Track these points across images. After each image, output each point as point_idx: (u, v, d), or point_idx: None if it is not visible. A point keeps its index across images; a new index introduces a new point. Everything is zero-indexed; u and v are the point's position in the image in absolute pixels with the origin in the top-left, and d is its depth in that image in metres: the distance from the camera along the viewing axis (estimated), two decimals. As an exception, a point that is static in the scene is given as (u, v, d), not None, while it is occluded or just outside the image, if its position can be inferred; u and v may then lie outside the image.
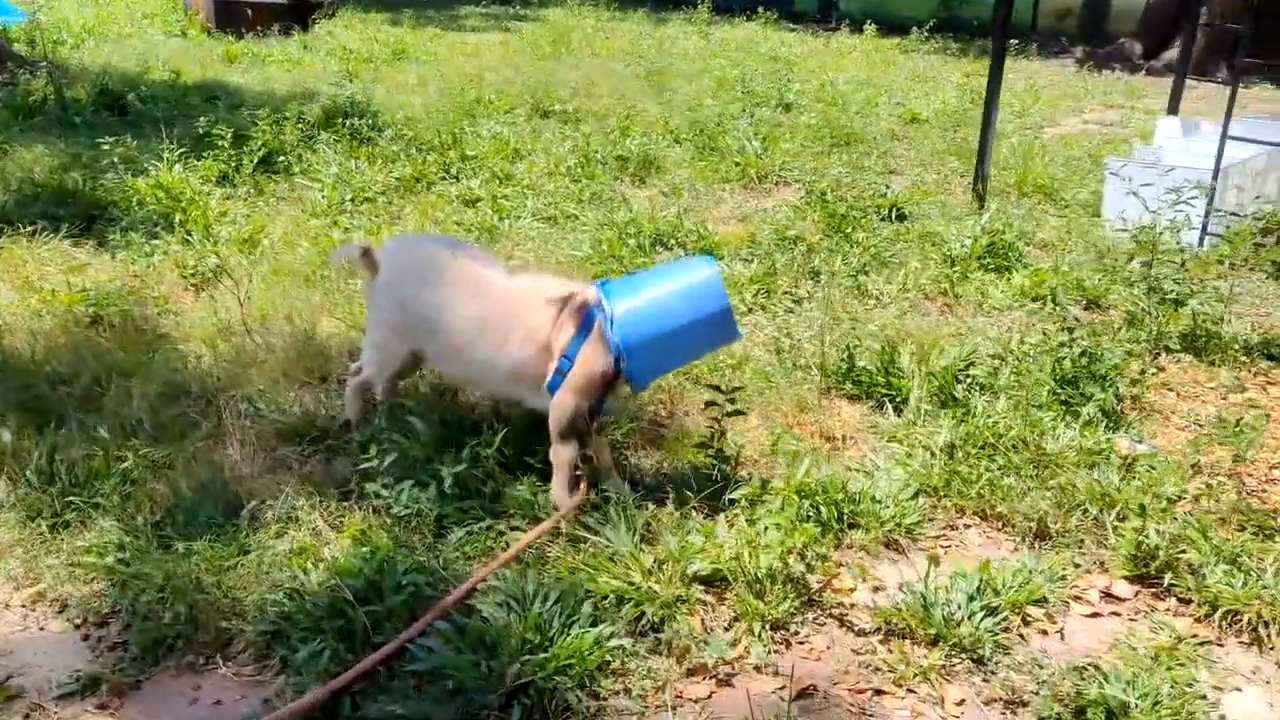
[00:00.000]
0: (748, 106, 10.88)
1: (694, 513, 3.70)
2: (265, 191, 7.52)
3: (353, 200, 7.22)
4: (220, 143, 7.51)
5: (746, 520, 3.60)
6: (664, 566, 3.39)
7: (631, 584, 3.30)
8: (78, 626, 3.26)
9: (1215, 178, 6.81)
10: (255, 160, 7.67)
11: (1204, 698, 2.91)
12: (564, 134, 9.54)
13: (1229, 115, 6.89)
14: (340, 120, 8.70)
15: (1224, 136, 6.84)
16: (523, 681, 2.90)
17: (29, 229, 6.29)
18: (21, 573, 3.41)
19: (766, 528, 3.46)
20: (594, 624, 3.10)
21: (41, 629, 3.26)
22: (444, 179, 8.09)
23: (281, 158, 7.94)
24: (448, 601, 3.17)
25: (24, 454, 3.84)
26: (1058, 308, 5.83)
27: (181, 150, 7.47)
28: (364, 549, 3.37)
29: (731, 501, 3.68)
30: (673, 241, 6.76)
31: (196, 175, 7.30)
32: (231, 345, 4.97)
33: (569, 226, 7.14)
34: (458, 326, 3.82)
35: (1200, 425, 4.57)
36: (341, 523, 3.63)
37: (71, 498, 3.63)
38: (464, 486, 3.69)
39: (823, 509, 3.70)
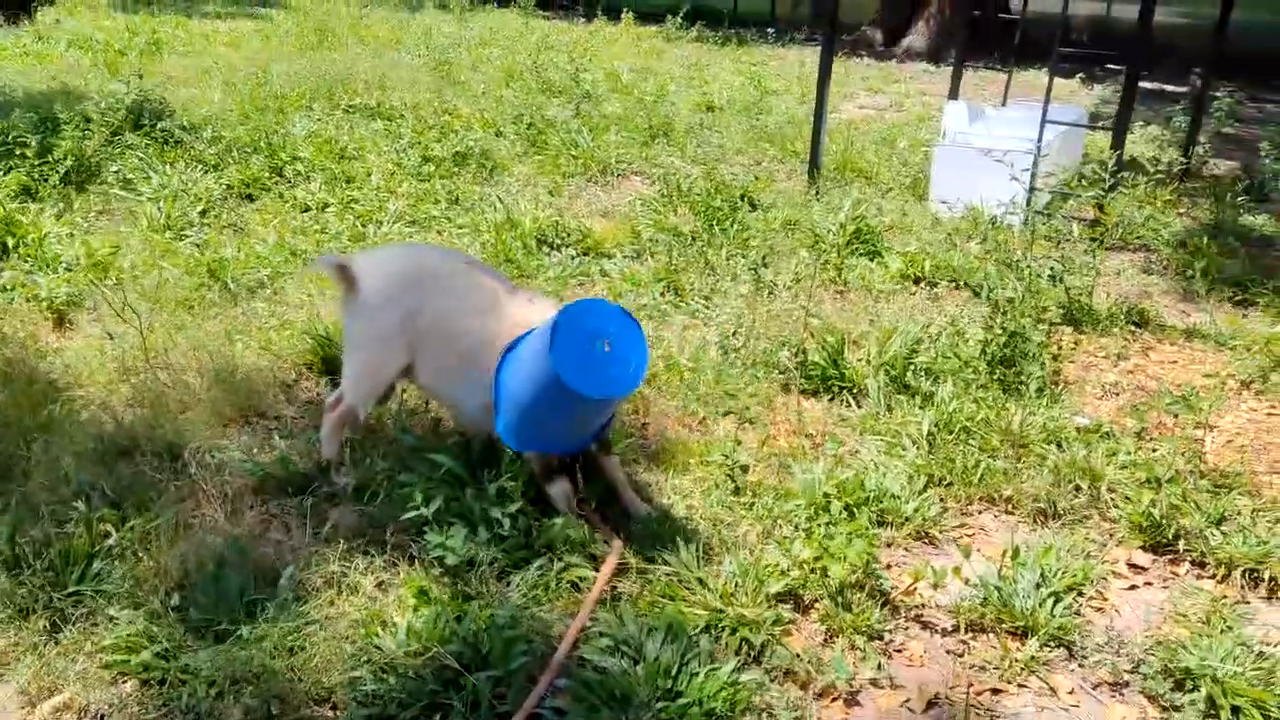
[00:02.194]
0: (551, 98, 10.77)
1: (741, 528, 3.66)
2: (78, 207, 6.66)
3: (201, 212, 6.52)
4: (22, 152, 6.56)
5: (803, 531, 3.60)
6: (740, 588, 3.34)
7: (718, 610, 3.23)
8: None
9: (1035, 157, 7.44)
10: (62, 171, 6.77)
11: (1261, 654, 3.21)
12: (386, 130, 9.05)
13: (1048, 97, 7.54)
14: (147, 123, 7.82)
15: (1044, 118, 7.48)
16: (666, 730, 2.78)
17: None
18: (33, 683, 2.88)
19: (833, 537, 3.48)
20: (711, 659, 3.02)
21: None
22: (278, 183, 7.48)
23: (85, 168, 7.05)
24: (559, 656, 2.99)
25: (-24, 544, 3.24)
26: (935, 289, 6.20)
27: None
28: (436, 608, 3.10)
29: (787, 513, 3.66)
30: (557, 241, 6.61)
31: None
32: (136, 387, 4.40)
33: (438, 230, 6.81)
34: (456, 344, 3.60)
35: (1116, 394, 5.01)
36: (390, 580, 3.31)
37: (76, 588, 3.10)
38: (494, 524, 3.47)
39: (855, 511, 3.77)
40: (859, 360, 5.02)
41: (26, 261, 5.54)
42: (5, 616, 3.07)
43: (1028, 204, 7.48)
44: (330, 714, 2.87)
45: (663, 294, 5.90)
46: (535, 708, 2.83)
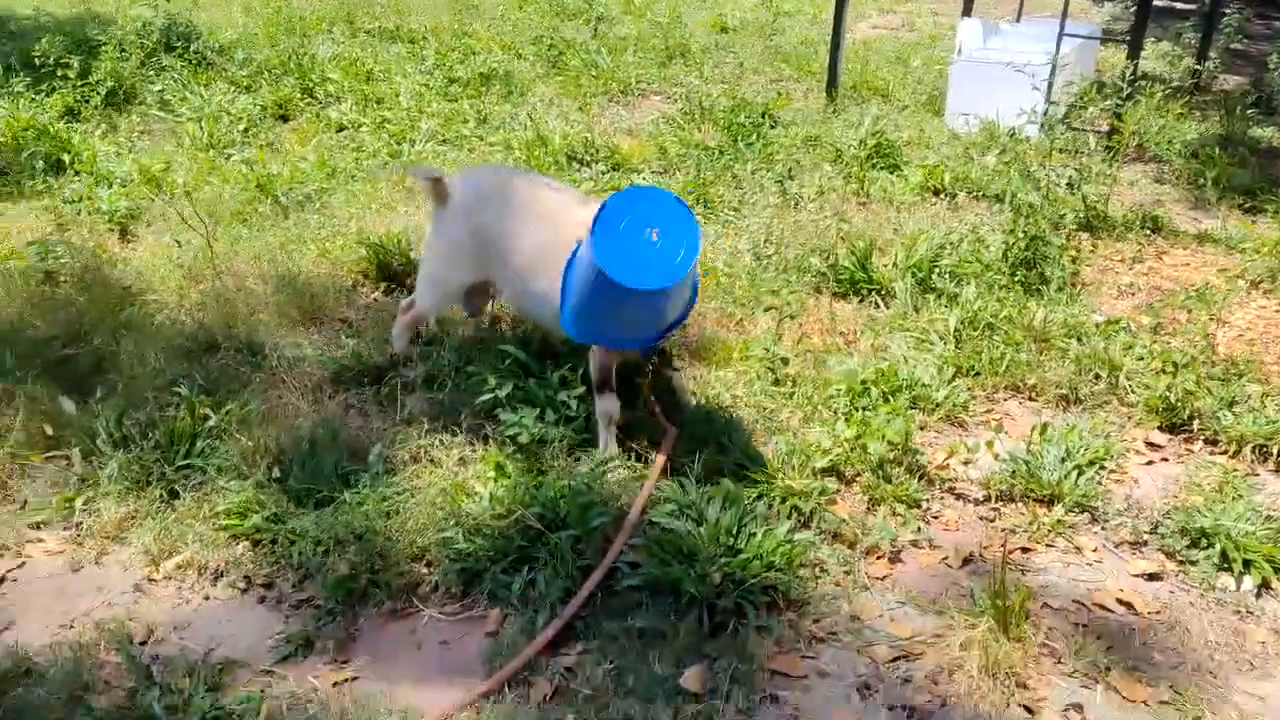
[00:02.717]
0: (565, 20, 10.84)
1: (783, 414, 3.94)
2: (122, 127, 6.85)
3: (244, 131, 6.71)
4: (64, 74, 6.73)
5: (843, 414, 3.88)
6: (787, 464, 3.62)
7: (768, 483, 3.51)
8: (244, 591, 3.12)
9: (1052, 71, 7.59)
10: (103, 93, 6.93)
11: (1269, 518, 3.50)
12: (409, 53, 9.17)
13: (1065, 12, 7.66)
14: (179, 45, 7.95)
15: (1061, 30, 7.61)
16: (729, 580, 3.07)
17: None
18: (155, 544, 3.18)
19: (872, 418, 3.76)
20: (767, 522, 3.31)
21: (206, 599, 3.10)
22: (310, 103, 7.64)
23: (124, 90, 7.22)
24: (633, 517, 3.27)
25: (90, 424, 3.53)
26: (955, 200, 6.41)
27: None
28: (514, 479, 3.39)
29: (829, 398, 3.94)
30: (586, 157, 6.79)
31: (45, 112, 6.53)
32: (205, 292, 4.65)
33: (469, 148, 7.00)
34: (523, 254, 3.79)
35: (1131, 294, 5.26)
36: (468, 456, 3.59)
37: (185, 462, 3.39)
38: (561, 406, 3.73)
39: (890, 397, 4.04)
40: (885, 265, 5.25)
41: (81, 178, 5.74)
42: (124, 488, 3.36)
43: (1045, 115, 7.66)
44: (426, 570, 3.18)
45: (693, 206, 6.10)
46: (614, 561, 3.12)
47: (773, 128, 7.78)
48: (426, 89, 8.07)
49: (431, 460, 3.53)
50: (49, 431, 3.59)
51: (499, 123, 7.46)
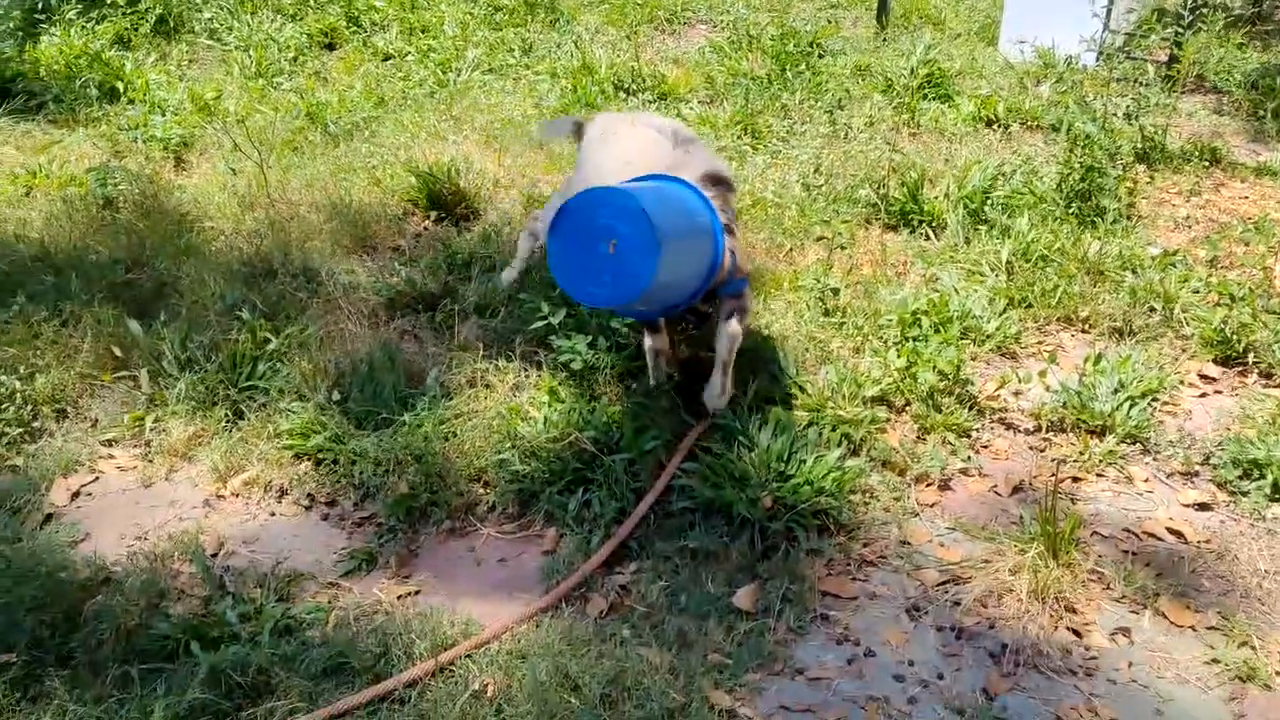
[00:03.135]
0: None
1: (833, 344, 3.96)
2: (169, 55, 6.88)
3: (292, 59, 6.73)
4: (113, 2, 6.76)
5: (894, 344, 3.89)
6: (838, 392, 3.64)
7: (818, 411, 3.54)
8: (308, 508, 3.22)
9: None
10: (152, 21, 6.96)
11: (1322, 447, 3.49)
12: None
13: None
14: (226, -29, 7.94)
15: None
16: (781, 504, 3.12)
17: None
18: (222, 462, 3.28)
19: (923, 348, 3.77)
20: (817, 449, 3.35)
21: (272, 515, 3.20)
22: (356, 32, 7.62)
23: (172, 18, 7.24)
24: (688, 442, 3.32)
25: (155, 346, 3.62)
26: (1008, 131, 6.31)
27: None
28: (568, 403, 3.45)
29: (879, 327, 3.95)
30: (633, 86, 6.74)
31: (97, 39, 6.58)
32: (259, 219, 4.71)
33: (515, 76, 6.97)
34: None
35: (1188, 226, 5.18)
36: (522, 382, 3.65)
37: (249, 384, 3.48)
38: (611, 334, 3.77)
39: (942, 327, 4.04)
40: (937, 196, 5.20)
41: (135, 105, 5.80)
42: (191, 407, 3.46)
43: (1103, 43, 7.48)
44: (483, 490, 3.26)
45: (740, 136, 6.07)
46: (668, 483, 3.18)
47: (821, 57, 7.65)
48: (471, 17, 8.01)
49: (487, 385, 3.59)
50: (117, 353, 3.69)
51: (544, 51, 7.41)
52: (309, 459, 3.32)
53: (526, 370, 3.73)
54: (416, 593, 2.94)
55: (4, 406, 3.44)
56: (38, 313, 3.83)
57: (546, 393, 3.53)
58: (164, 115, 5.73)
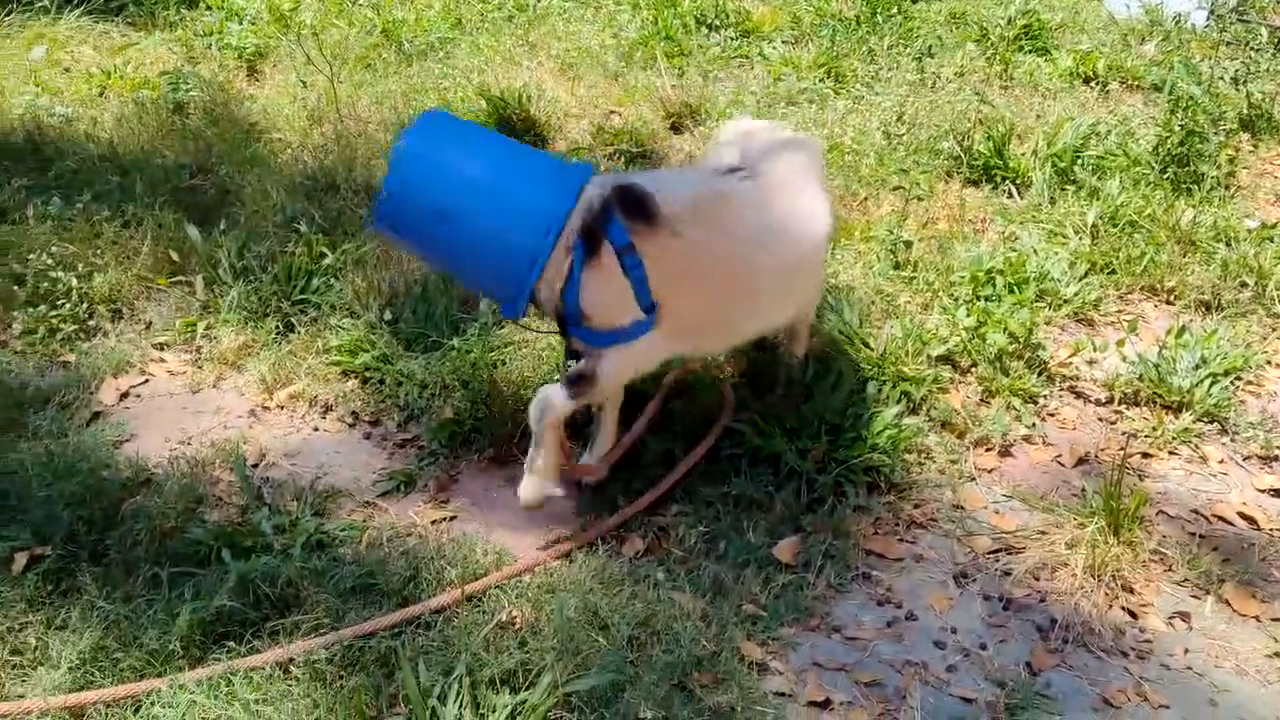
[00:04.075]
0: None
1: (901, 298, 3.81)
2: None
3: (371, -24, 6.63)
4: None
5: (965, 302, 3.72)
6: (901, 349, 3.50)
7: (879, 366, 3.41)
8: (351, 425, 3.19)
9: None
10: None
11: None
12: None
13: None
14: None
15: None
16: (831, 458, 3.01)
17: (27, 5, 5.59)
18: (270, 374, 3.26)
19: (995, 308, 3.61)
20: (875, 404, 3.22)
21: (315, 430, 3.18)
22: (438, -47, 7.49)
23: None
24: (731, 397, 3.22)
25: (213, 253, 3.61)
26: (1106, 89, 6.00)
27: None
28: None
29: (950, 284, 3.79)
30: (716, 22, 6.54)
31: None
32: (327, 134, 4.66)
33: (597, 5, 6.80)
34: None
35: (1291, 200, 4.89)
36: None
37: (301, 297, 3.46)
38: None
39: (1016, 288, 3.86)
40: (1023, 153, 4.97)
41: (212, 12, 5.78)
42: (244, 317, 3.45)
43: (1215, 3, 7.08)
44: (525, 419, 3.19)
45: (822, 79, 5.85)
46: (720, 434, 3.08)
47: (914, 1, 7.37)
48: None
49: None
50: (174, 257, 3.69)
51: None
52: (356, 377, 3.29)
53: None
54: (452, 518, 2.90)
55: (61, 303, 3.45)
56: (101, 212, 3.83)
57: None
58: (240, 24, 5.70)
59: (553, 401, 2.72)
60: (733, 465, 3.04)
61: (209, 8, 5.84)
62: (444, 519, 2.90)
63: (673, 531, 2.86)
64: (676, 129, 5.26)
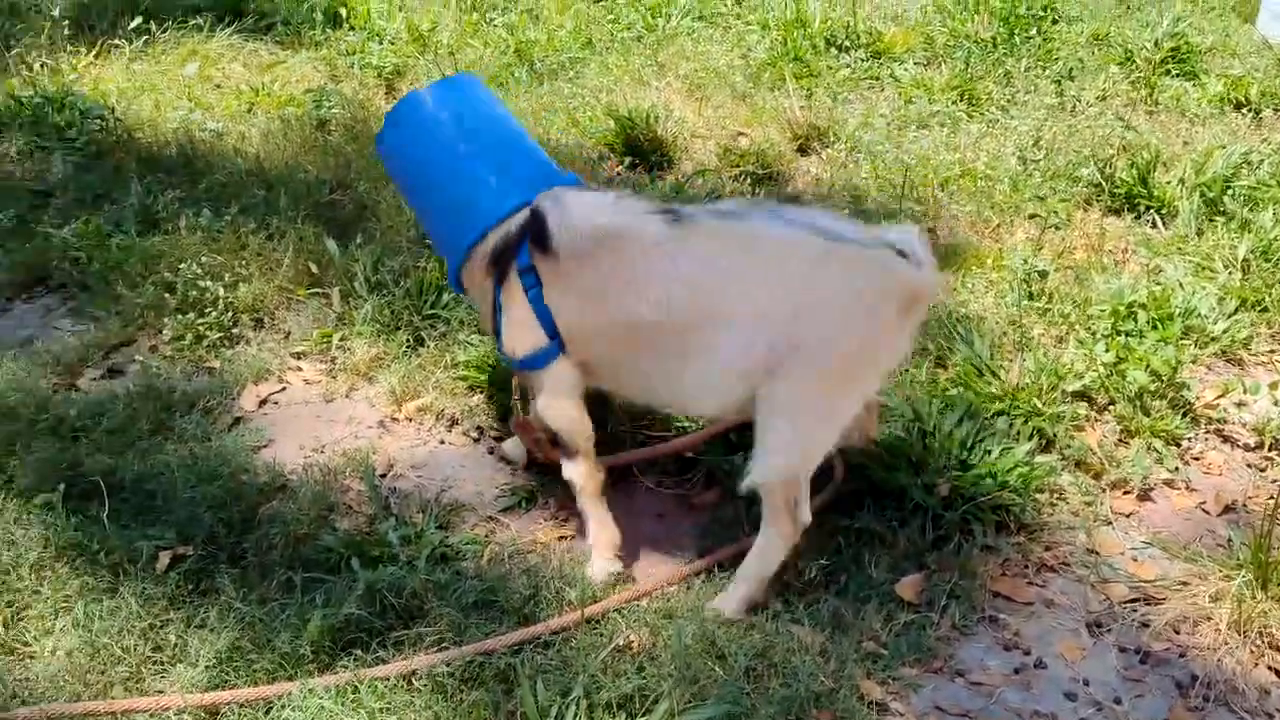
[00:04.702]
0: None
1: (1035, 330, 3.69)
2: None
3: (506, -5, 6.79)
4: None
5: (1104, 337, 3.59)
6: (1035, 383, 3.38)
7: (1011, 400, 3.30)
8: (476, 440, 3.25)
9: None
10: (379, -50, 7.15)
11: None
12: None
13: None
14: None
15: None
16: (958, 494, 2.93)
17: (182, 23, 5.88)
18: (399, 386, 3.34)
19: (1137, 345, 3.46)
20: (1005, 440, 3.12)
21: (441, 442, 3.24)
22: (571, -29, 7.61)
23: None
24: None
25: (349, 266, 3.73)
26: (1259, 116, 5.73)
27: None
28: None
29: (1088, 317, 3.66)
30: (846, 43, 6.47)
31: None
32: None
33: (725, 25, 6.81)
34: None
35: None
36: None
37: (432, 312, 3.55)
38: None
39: (1160, 324, 3.69)
40: (1169, 181, 4.78)
41: (355, 32, 5.99)
42: (376, 329, 3.54)
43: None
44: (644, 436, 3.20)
45: (955, 101, 5.73)
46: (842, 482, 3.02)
47: (1055, 22, 7.15)
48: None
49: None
50: (313, 270, 3.82)
51: (757, 1, 7.21)
52: (481, 392, 3.34)
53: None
54: (572, 537, 2.92)
55: (208, 311, 3.61)
56: (247, 224, 4.00)
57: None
58: (381, 43, 5.89)
59: (570, 477, 2.77)
60: (855, 498, 2.98)
61: (352, 28, 6.05)
62: (564, 537, 2.92)
63: (792, 563, 2.82)
64: (804, 151, 5.22)
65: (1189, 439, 3.29)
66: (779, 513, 2.57)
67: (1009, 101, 5.74)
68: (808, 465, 2.58)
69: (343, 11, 6.13)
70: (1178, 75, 6.22)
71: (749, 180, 4.88)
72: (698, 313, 2.50)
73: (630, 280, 2.54)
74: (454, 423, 3.29)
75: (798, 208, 2.80)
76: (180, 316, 3.58)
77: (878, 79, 6.12)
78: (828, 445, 2.59)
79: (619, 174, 4.95)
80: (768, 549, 2.62)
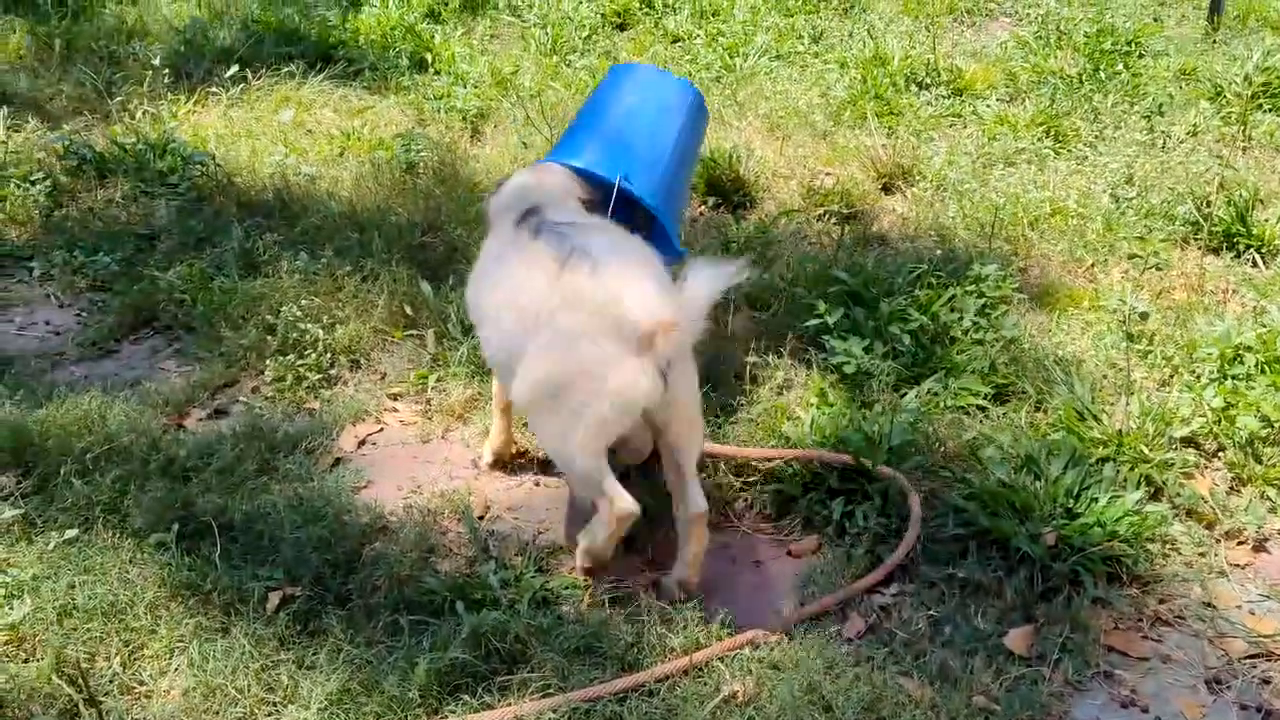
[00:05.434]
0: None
1: (1136, 373, 3.61)
2: (474, 30, 7.20)
3: (585, 38, 6.89)
4: (431, -24, 7.15)
5: (1211, 380, 3.49)
6: (1141, 429, 3.30)
7: (1117, 446, 3.22)
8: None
9: None
10: (461, -4, 7.32)
11: None
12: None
13: None
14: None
15: None
16: (1066, 544, 2.85)
17: (275, 70, 6.05)
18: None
19: (1247, 389, 3.37)
20: (1110, 487, 3.04)
21: (537, 484, 3.28)
22: (648, 13, 7.70)
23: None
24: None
25: (443, 308, 3.80)
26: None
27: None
28: (838, 407, 3.31)
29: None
30: (927, 80, 6.44)
31: (411, 12, 6.98)
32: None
33: (802, 65, 6.82)
34: None
35: None
36: (790, 380, 3.55)
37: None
38: (890, 338, 3.61)
39: (1269, 368, 3.59)
40: (1269, 219, 4.66)
41: (441, 76, 6.12)
42: (470, 370, 3.61)
43: None
44: (743, 487, 3.18)
45: (1041, 138, 5.67)
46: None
47: (1140, 57, 7.05)
48: (763, 2, 7.92)
49: (753, 379, 3.51)
50: (408, 311, 3.88)
51: (835, 40, 7.23)
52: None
53: (795, 368, 3.61)
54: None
55: (308, 353, 3.68)
56: (342, 267, 4.08)
57: (815, 394, 3.41)
58: (465, 87, 6.00)
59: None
60: (958, 546, 2.93)
61: (438, 72, 6.18)
62: (659, 583, 2.90)
63: (895, 612, 2.78)
64: (888, 189, 5.20)
65: (1305, 487, 3.18)
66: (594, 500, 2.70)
67: (1097, 138, 5.67)
68: (573, 466, 2.67)
69: (428, 56, 6.27)
70: (1270, 110, 6.08)
71: (833, 220, 4.86)
72: (488, 305, 2.91)
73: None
74: (548, 463, 3.30)
75: (601, 227, 2.91)
76: (281, 358, 3.65)
77: (960, 116, 6.08)
78: (575, 453, 2.63)
79: (702, 214, 4.97)
80: (593, 526, 2.75)
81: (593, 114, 3.50)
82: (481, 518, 3.13)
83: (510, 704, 2.41)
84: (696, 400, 2.77)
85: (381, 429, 3.52)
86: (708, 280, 2.53)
